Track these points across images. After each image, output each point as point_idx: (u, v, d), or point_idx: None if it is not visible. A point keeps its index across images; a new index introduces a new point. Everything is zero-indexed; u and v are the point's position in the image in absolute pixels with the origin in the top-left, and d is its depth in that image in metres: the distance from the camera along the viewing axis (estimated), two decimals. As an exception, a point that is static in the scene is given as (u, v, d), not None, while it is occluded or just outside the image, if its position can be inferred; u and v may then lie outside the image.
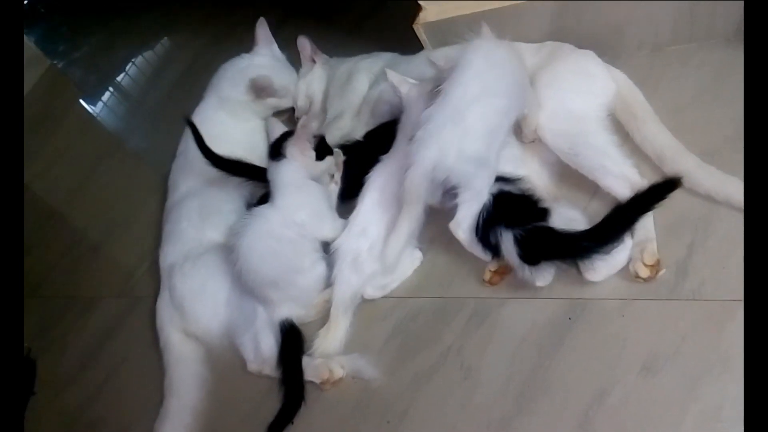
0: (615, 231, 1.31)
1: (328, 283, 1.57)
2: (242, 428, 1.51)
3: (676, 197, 1.36)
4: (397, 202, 1.56)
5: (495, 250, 1.40)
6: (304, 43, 2.10)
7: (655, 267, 1.30)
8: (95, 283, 2.15)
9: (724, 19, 1.56)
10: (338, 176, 1.68)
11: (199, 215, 1.80)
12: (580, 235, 1.32)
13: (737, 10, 1.49)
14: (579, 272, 1.36)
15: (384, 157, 1.63)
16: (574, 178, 1.48)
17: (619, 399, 1.19)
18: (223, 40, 2.83)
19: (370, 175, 1.61)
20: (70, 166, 2.76)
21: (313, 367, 1.49)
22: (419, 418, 1.35)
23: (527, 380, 1.29)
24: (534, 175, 1.53)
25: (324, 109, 2.06)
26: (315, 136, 1.62)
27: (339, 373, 1.47)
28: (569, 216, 1.39)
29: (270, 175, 1.62)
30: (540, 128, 1.51)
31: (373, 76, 1.95)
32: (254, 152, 1.95)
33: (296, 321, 1.57)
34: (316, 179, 1.63)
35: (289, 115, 2.19)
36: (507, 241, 1.37)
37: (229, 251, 1.59)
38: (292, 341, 1.54)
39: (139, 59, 3.24)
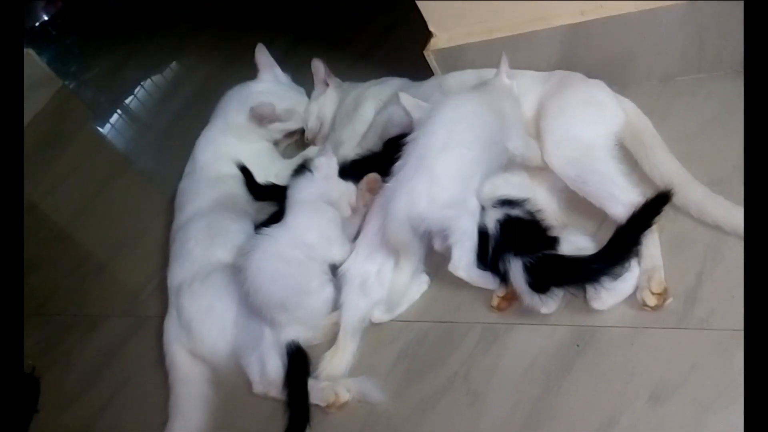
0: (621, 252, 1.32)
1: (336, 306, 1.58)
2: (246, 450, 1.51)
3: (684, 226, 1.38)
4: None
5: (503, 278, 1.41)
6: (318, 66, 2.12)
7: (663, 295, 1.30)
8: (101, 302, 2.15)
9: (732, 50, 1.57)
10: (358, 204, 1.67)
11: (207, 235, 1.81)
12: (587, 259, 1.33)
13: (746, 42, 1.51)
14: (586, 301, 1.36)
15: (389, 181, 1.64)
16: (582, 206, 1.48)
17: (626, 427, 1.18)
18: (233, 64, 2.86)
19: (376, 198, 1.62)
20: (78, 186, 2.78)
21: (318, 390, 1.49)
22: (425, 443, 1.35)
23: (534, 407, 1.29)
24: (542, 203, 1.53)
25: (332, 131, 2.07)
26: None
27: (345, 396, 1.47)
28: (578, 244, 1.39)
29: (288, 192, 1.63)
30: (548, 156, 1.52)
31: (380, 102, 1.97)
32: (260, 173, 1.97)
33: (303, 343, 1.57)
34: (333, 204, 1.64)
35: (298, 137, 2.21)
36: (515, 269, 1.37)
37: (237, 271, 1.60)
38: (299, 363, 1.53)
39: (148, 82, 3.28)
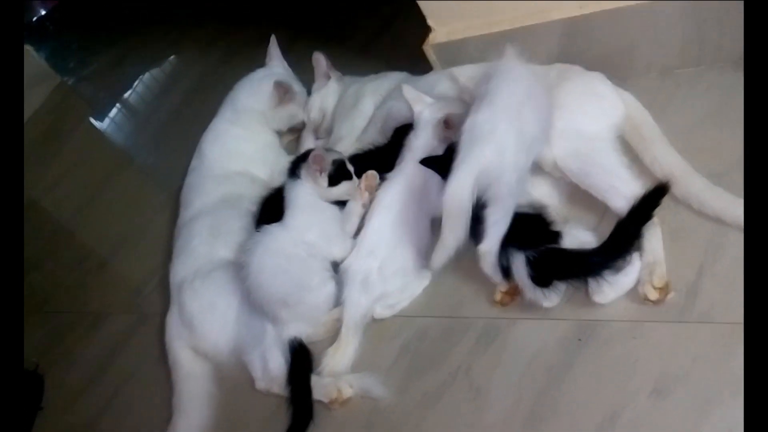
0: (622, 245, 1.32)
1: (338, 302, 1.58)
2: (250, 446, 1.51)
3: (684, 219, 1.38)
4: (407, 223, 1.58)
5: (505, 272, 1.40)
6: (319, 59, 2.12)
7: (665, 290, 1.30)
8: (103, 299, 2.16)
9: (732, 42, 1.57)
10: (357, 201, 1.67)
11: (210, 233, 1.81)
12: (589, 253, 1.33)
13: (745, 34, 1.50)
14: (588, 295, 1.36)
15: (390, 175, 1.64)
16: (583, 200, 1.48)
17: (629, 421, 1.18)
18: (232, 59, 2.86)
19: (377, 193, 1.62)
20: (78, 182, 2.78)
21: (321, 386, 1.49)
22: (428, 438, 1.35)
23: (536, 401, 1.29)
24: (544, 196, 1.53)
25: (332, 125, 2.07)
26: (334, 161, 1.63)
27: (347, 392, 1.47)
28: (580, 238, 1.39)
29: (285, 193, 1.63)
30: (550, 149, 1.51)
31: (380, 97, 1.97)
32: (266, 168, 1.97)
33: (305, 340, 1.57)
34: (331, 201, 1.64)
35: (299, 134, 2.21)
36: (518, 263, 1.37)
37: (239, 269, 1.60)
38: (301, 360, 1.54)
39: (147, 77, 3.28)
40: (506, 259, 1.39)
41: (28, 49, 3.42)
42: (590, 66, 1.66)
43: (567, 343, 1.34)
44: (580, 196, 1.48)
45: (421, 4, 1.81)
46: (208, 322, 1.68)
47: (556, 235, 1.41)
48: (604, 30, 1.66)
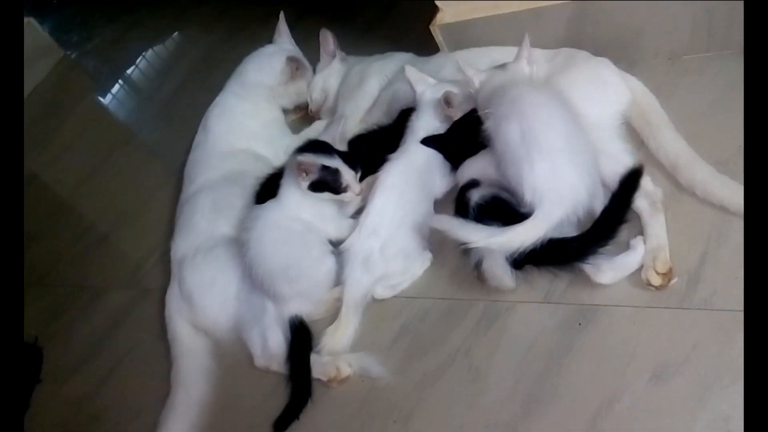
0: (602, 231, 1.32)
1: (338, 281, 1.57)
2: (248, 423, 1.51)
3: (689, 206, 1.37)
4: (410, 203, 1.57)
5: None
6: (326, 36, 2.10)
7: (668, 275, 1.30)
8: (103, 274, 2.15)
9: (741, 30, 1.55)
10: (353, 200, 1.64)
11: (212, 209, 1.80)
12: (568, 240, 1.33)
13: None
14: (587, 277, 1.36)
15: (393, 156, 1.63)
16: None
17: (628, 406, 1.19)
18: (236, 36, 2.84)
19: (379, 174, 1.61)
20: (80, 157, 2.76)
21: (320, 365, 1.49)
22: (426, 419, 1.35)
23: (535, 384, 1.29)
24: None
25: (336, 106, 2.06)
26: (324, 167, 1.57)
27: (346, 371, 1.48)
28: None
29: (285, 171, 1.63)
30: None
31: (385, 77, 1.96)
32: (270, 146, 1.97)
33: (305, 318, 1.57)
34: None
35: (304, 113, 2.20)
36: None
37: (239, 245, 1.60)
38: (301, 338, 1.54)
39: (150, 53, 3.25)
40: None
41: (32, 22, 3.38)
42: (597, 51, 1.66)
43: (567, 328, 1.34)
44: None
45: (429, -17, 1.80)
46: (208, 298, 1.68)
47: None
48: (613, 14, 1.65)
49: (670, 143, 1.46)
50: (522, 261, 1.36)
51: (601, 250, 1.32)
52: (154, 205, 2.24)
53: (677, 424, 1.14)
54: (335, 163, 1.56)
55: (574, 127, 1.38)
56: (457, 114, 1.59)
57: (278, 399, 1.49)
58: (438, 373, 1.40)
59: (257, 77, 2.12)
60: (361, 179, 1.62)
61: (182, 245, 1.79)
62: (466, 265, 1.49)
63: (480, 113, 1.48)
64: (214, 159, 1.93)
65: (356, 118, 1.90)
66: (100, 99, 3.18)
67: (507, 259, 1.37)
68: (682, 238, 1.35)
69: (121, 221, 2.31)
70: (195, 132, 2.13)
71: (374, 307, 1.57)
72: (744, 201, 1.28)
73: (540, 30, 1.71)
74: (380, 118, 1.86)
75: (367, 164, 1.64)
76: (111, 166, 2.60)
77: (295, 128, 2.15)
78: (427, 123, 1.64)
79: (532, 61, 1.55)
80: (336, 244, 1.60)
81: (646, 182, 1.39)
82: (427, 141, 1.60)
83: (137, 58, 3.24)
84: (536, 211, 1.31)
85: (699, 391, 1.15)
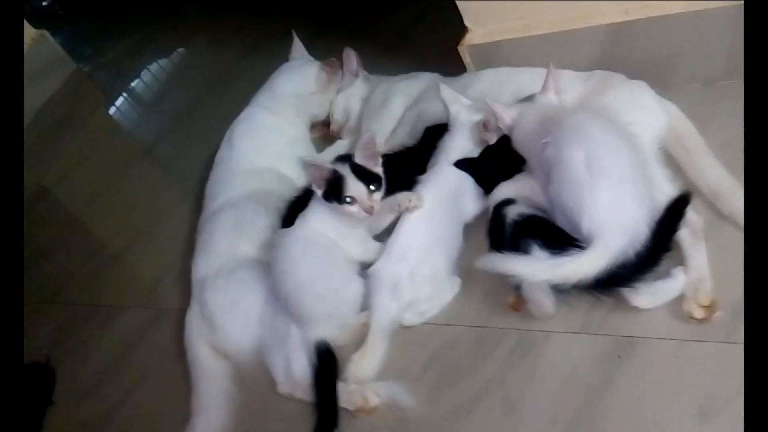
0: (649, 258, 1.28)
1: (365, 306, 1.53)
2: (271, 452, 1.47)
3: (731, 236, 1.33)
4: (440, 227, 1.54)
5: None
6: (350, 55, 2.07)
7: (711, 308, 1.26)
8: (118, 293, 2.11)
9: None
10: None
11: (234, 228, 1.76)
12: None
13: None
14: (624, 303, 1.33)
15: (423, 178, 1.60)
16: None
17: (673, 444, 1.15)
18: (252, 52, 2.82)
19: (399, 196, 1.56)
20: (93, 172, 2.72)
21: (347, 393, 1.45)
22: (458, 452, 1.31)
23: (574, 419, 1.25)
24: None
25: (359, 126, 2.03)
26: (334, 173, 1.50)
27: (374, 400, 1.43)
28: None
29: None
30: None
31: (410, 98, 1.93)
32: (294, 165, 1.92)
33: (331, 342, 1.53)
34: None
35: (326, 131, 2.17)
36: None
37: (265, 266, 1.58)
38: (328, 364, 1.49)
39: (163, 67, 3.22)
40: (523, 251, 1.36)
41: (44, 34, 3.35)
42: (631, 74, 1.63)
43: (605, 360, 1.30)
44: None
45: (459, 4, 1.77)
46: (230, 321, 1.64)
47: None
48: (648, 37, 1.63)
49: (710, 170, 1.43)
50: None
51: (643, 277, 1.28)
52: (170, 222, 2.20)
53: (726, 464, 1.10)
54: (342, 169, 1.50)
55: (638, 157, 1.35)
56: (492, 138, 1.56)
57: (302, 428, 1.44)
58: (470, 405, 1.36)
59: (289, 88, 2.09)
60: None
61: (203, 265, 1.75)
62: (498, 290, 1.45)
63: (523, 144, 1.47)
64: (238, 177, 1.90)
65: (381, 138, 1.86)
66: (114, 113, 3.14)
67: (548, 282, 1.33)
68: (724, 269, 1.31)
69: (137, 238, 2.26)
70: (212, 148, 2.10)
71: (402, 333, 1.53)
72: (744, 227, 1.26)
73: (572, 52, 1.69)
74: (404, 138, 1.83)
75: (393, 185, 1.60)
76: (125, 182, 2.57)
77: (317, 147, 2.11)
78: (460, 145, 1.61)
79: (559, 90, 1.52)
80: (363, 267, 1.56)
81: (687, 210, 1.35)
82: (462, 164, 1.56)
83: (151, 72, 3.22)
84: (596, 241, 1.27)
85: (749, 431, 1.11)
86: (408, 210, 1.53)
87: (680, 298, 1.31)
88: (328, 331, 1.53)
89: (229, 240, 1.75)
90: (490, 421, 1.32)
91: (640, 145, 1.40)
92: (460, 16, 1.81)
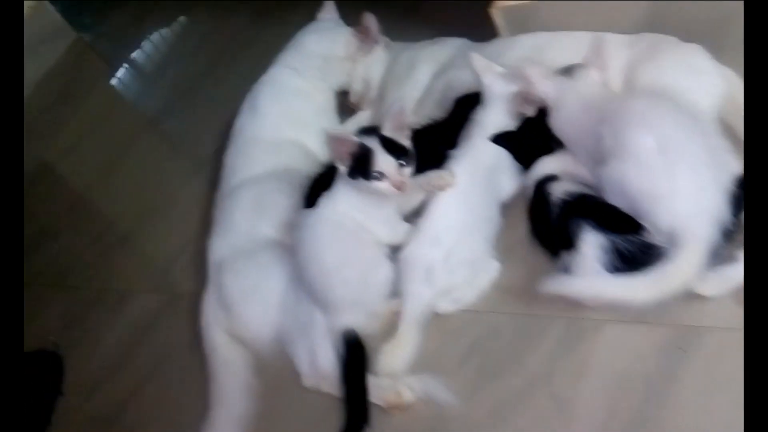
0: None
1: (396, 293, 1.42)
2: (297, 449, 1.38)
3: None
4: (475, 207, 1.43)
5: (568, 243, 1.27)
6: (370, 21, 1.93)
7: (784, 294, 1.14)
8: (128, 276, 2.00)
9: None
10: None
11: (253, 208, 1.65)
12: None
13: None
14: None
15: (456, 153, 1.48)
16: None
17: (749, 448, 1.04)
18: (263, 18, 2.66)
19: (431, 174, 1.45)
20: (98, 146, 2.59)
21: (378, 388, 1.34)
22: (504, 454, 1.21)
23: (633, 419, 1.15)
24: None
25: (381, 97, 1.90)
26: (360, 148, 1.38)
27: (408, 396, 1.33)
28: None
29: None
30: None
31: (437, 65, 1.80)
32: (320, 137, 1.79)
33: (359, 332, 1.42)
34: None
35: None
36: (590, 243, 1.24)
37: (288, 249, 1.48)
38: (357, 355, 1.38)
39: (169, 35, 3.08)
40: (573, 232, 1.26)
41: (44, 3, 3.21)
42: (683, 37, 1.51)
43: (666, 353, 1.20)
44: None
45: (492, -40, 1.63)
46: (250, 307, 1.54)
47: (639, 227, 1.24)
48: (701, -3, 1.49)
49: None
50: (620, 268, 1.22)
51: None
52: (182, 198, 2.10)
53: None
54: (370, 142, 1.38)
55: (709, 136, 1.25)
56: (530, 110, 1.43)
57: (330, 424, 1.34)
58: (515, 401, 1.26)
59: (318, 48, 1.94)
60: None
61: (221, 246, 1.65)
62: (542, 274, 1.33)
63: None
64: (260, 150, 1.77)
65: (409, 108, 1.73)
66: (117, 84, 3.01)
67: (602, 265, 1.22)
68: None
69: (147, 217, 2.15)
70: (222, 119, 1.99)
71: (436, 322, 1.42)
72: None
73: (618, 13, 1.56)
74: (432, 109, 1.70)
75: (422, 162, 1.47)
76: (133, 156, 2.44)
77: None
78: (496, 118, 1.48)
79: (605, 67, 1.39)
80: (393, 251, 1.44)
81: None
82: (499, 139, 1.44)
83: (156, 41, 3.08)
84: (685, 236, 1.17)
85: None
86: (440, 189, 1.41)
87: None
88: (356, 319, 1.42)
89: (250, 220, 1.64)
90: (537, 420, 1.22)
91: (705, 121, 1.29)
92: (493, -25, 1.67)
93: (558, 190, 1.34)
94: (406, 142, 1.42)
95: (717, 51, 1.47)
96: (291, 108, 1.86)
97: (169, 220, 2.08)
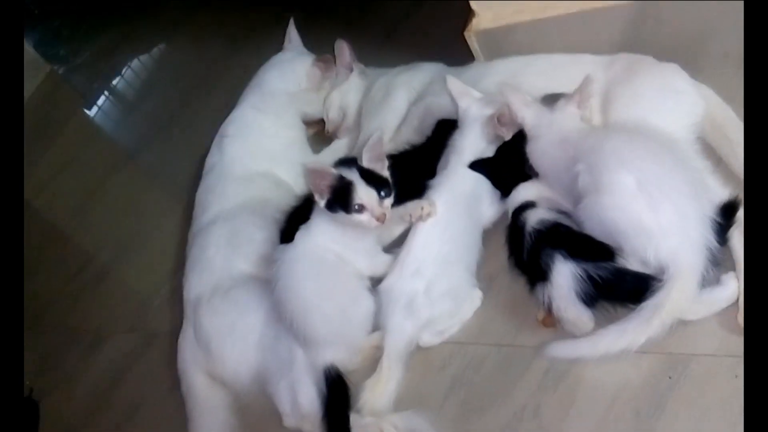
0: None
1: (377, 326, 1.39)
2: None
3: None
4: (456, 236, 1.40)
5: (541, 274, 1.24)
6: (343, 48, 1.91)
7: (770, 318, 1.12)
8: (104, 315, 1.97)
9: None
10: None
11: (228, 243, 1.61)
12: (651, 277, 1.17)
13: None
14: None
15: (434, 182, 1.45)
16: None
17: (741, 481, 1.01)
18: (238, 47, 2.66)
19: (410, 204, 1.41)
20: (74, 181, 2.58)
21: (361, 427, 1.30)
22: (492, 492, 1.18)
23: (623, 451, 1.11)
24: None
25: (358, 125, 1.87)
26: (337, 181, 1.35)
27: (392, 435, 1.28)
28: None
29: None
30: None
31: (413, 91, 1.78)
32: (292, 168, 1.79)
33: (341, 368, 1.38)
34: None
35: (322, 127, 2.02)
36: (564, 273, 1.22)
37: (265, 284, 1.44)
38: (339, 393, 1.34)
39: (144, 67, 3.05)
40: (545, 263, 1.24)
41: (15, 36, 3.18)
42: (657, 55, 1.49)
43: (655, 381, 1.17)
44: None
45: (465, -14, 1.61)
46: (228, 346, 1.50)
47: (612, 253, 1.22)
48: (678, 14, 1.50)
49: (755, 162, 1.28)
50: (597, 296, 1.20)
51: None
52: (158, 234, 2.07)
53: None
54: (350, 175, 1.35)
55: (687, 165, 1.23)
56: (507, 133, 1.41)
57: (312, 465, 1.30)
58: (503, 436, 1.21)
59: (280, 85, 1.94)
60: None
61: (196, 284, 1.60)
62: (525, 303, 1.32)
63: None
64: (231, 184, 1.74)
65: (385, 137, 1.71)
66: (92, 117, 2.97)
67: (577, 294, 1.20)
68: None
69: (123, 253, 2.13)
70: (200, 151, 1.96)
71: (419, 355, 1.38)
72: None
73: (593, 34, 1.56)
74: (410, 136, 1.68)
75: (400, 190, 1.44)
76: (108, 191, 2.43)
77: (313, 146, 1.97)
78: (473, 143, 1.46)
79: (584, 104, 1.36)
80: (374, 283, 1.41)
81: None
82: (477, 165, 1.42)
83: (129, 73, 3.05)
84: (676, 268, 1.14)
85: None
86: (420, 219, 1.38)
87: (733, 308, 1.17)
88: (337, 355, 1.38)
89: (224, 256, 1.60)
90: (526, 455, 1.18)
91: (683, 150, 1.28)
92: (466, -1, 1.66)
93: (532, 219, 1.31)
94: (385, 173, 1.39)
95: (694, 69, 1.46)
96: (259, 146, 1.84)
97: (146, 256, 2.05)
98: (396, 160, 1.54)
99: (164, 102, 2.69)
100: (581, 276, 1.21)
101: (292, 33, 2.01)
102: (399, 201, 1.42)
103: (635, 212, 1.16)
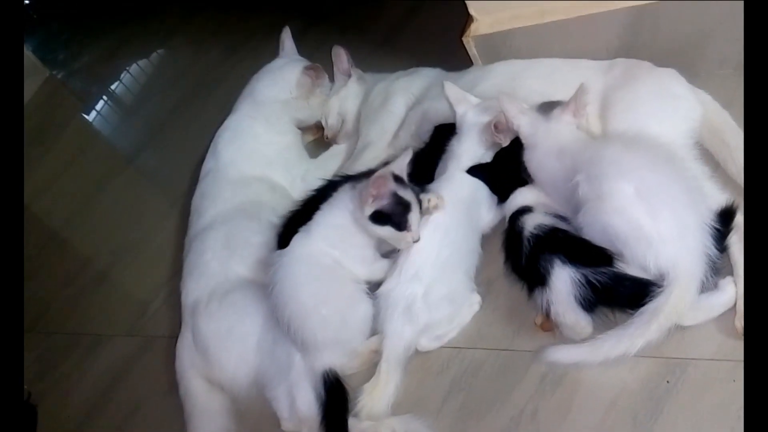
0: None
1: (376, 330, 1.39)
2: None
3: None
4: (455, 241, 1.40)
5: (540, 279, 1.25)
6: (340, 53, 1.92)
7: None
8: (102, 319, 1.96)
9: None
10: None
11: (225, 247, 1.61)
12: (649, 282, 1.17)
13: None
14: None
15: (432, 187, 1.45)
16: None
17: (739, 484, 1.01)
18: (235, 53, 2.66)
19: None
20: (71, 185, 2.57)
21: (359, 431, 1.30)
22: (490, 497, 1.18)
23: (621, 455, 1.11)
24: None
25: (357, 131, 1.88)
26: (395, 195, 1.35)
27: (390, 439, 1.28)
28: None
29: (322, 205, 1.45)
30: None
31: (411, 96, 1.78)
32: (287, 172, 1.80)
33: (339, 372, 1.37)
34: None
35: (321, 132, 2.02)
36: (562, 278, 1.22)
37: (263, 288, 1.43)
38: (337, 397, 1.34)
39: (142, 72, 3.06)
40: (544, 268, 1.24)
41: (15, 41, 3.18)
42: (656, 60, 1.49)
43: (652, 386, 1.17)
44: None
45: (465, -9, 1.62)
46: (225, 350, 1.49)
47: (611, 258, 1.22)
48: (675, 19, 1.50)
49: (753, 167, 1.29)
50: (595, 301, 1.20)
51: None
52: (156, 238, 2.06)
53: None
54: (409, 196, 1.35)
55: (685, 172, 1.24)
56: (504, 139, 1.41)
57: (311, 469, 1.30)
58: (500, 441, 1.21)
59: (271, 93, 1.94)
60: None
61: (194, 289, 1.60)
62: (524, 308, 1.33)
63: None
64: (226, 189, 1.74)
65: (384, 142, 1.72)
66: (90, 122, 2.97)
67: (576, 299, 1.20)
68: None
69: (120, 257, 2.12)
70: (197, 155, 1.96)
71: (418, 359, 1.38)
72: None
73: (591, 39, 1.56)
74: (408, 141, 1.68)
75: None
76: (106, 196, 2.42)
77: (311, 152, 1.97)
78: (470, 149, 1.46)
79: (579, 113, 1.37)
80: (372, 287, 1.41)
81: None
82: (475, 171, 1.42)
83: (129, 77, 3.05)
84: (676, 275, 1.15)
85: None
86: (429, 212, 1.38)
87: (731, 313, 1.17)
88: (335, 359, 1.38)
89: (221, 259, 1.60)
90: (524, 459, 1.18)
91: (681, 158, 1.28)
92: (464, 4, 1.66)
93: (530, 224, 1.31)
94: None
95: (691, 74, 1.47)
96: (253, 152, 1.85)
97: (144, 260, 2.04)
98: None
99: (163, 107, 2.68)
100: (580, 281, 1.21)
101: (287, 41, 2.02)
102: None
103: (635, 219, 1.16)
